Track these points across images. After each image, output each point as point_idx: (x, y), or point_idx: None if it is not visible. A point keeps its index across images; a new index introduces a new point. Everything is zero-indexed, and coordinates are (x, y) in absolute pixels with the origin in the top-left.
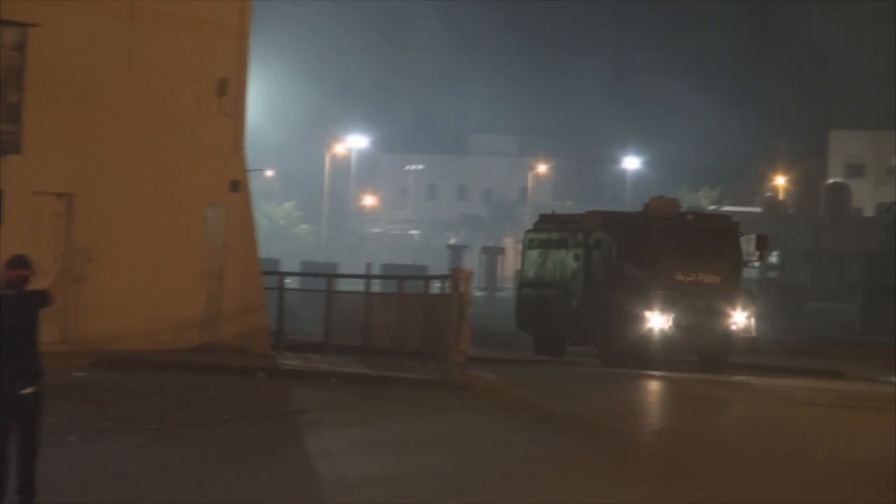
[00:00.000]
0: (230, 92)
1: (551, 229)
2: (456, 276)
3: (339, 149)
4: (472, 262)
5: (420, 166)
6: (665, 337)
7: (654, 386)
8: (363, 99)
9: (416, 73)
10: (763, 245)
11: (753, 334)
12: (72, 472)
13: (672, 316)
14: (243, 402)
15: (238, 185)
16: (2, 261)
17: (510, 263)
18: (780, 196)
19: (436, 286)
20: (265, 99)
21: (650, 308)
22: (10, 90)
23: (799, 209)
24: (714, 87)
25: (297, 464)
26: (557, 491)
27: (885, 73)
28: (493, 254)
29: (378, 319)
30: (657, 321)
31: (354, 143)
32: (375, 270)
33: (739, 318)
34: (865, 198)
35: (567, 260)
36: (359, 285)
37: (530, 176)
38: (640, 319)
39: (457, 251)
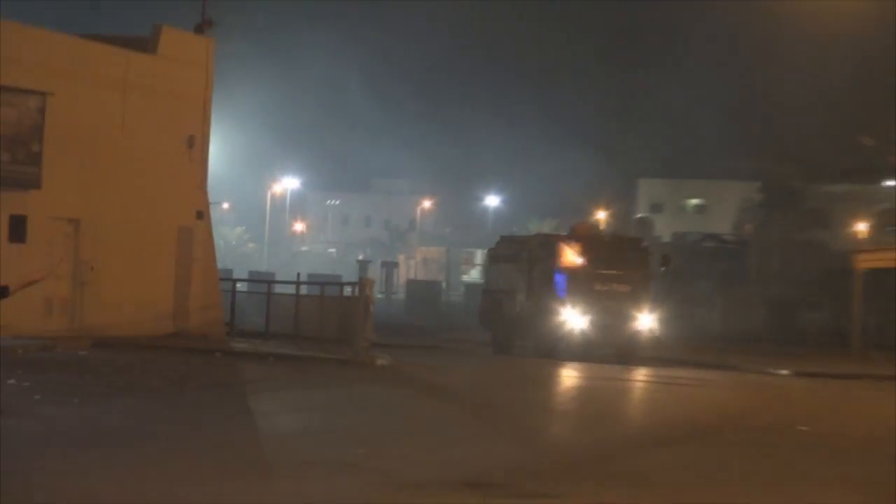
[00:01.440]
0: (196, 145)
1: (506, 247)
2: (363, 283)
3: (277, 188)
4: (375, 272)
5: (337, 201)
6: (584, 334)
7: (525, 367)
8: (297, 148)
9: (336, 128)
10: (666, 262)
11: (657, 333)
12: (76, 423)
13: (590, 318)
14: (205, 374)
15: (202, 214)
16: (22, 272)
17: (403, 274)
18: (602, 227)
19: (348, 290)
20: (223, 148)
21: (572, 311)
22: (33, 141)
23: None
24: (565, 136)
25: (244, 419)
26: (432, 440)
27: (681, 131)
28: (390, 267)
29: (305, 314)
30: (577, 322)
31: (289, 183)
32: (304, 278)
33: (646, 320)
34: (664, 229)
35: (515, 272)
36: (291, 289)
37: (418, 209)
38: (564, 320)
39: (363, 264)
